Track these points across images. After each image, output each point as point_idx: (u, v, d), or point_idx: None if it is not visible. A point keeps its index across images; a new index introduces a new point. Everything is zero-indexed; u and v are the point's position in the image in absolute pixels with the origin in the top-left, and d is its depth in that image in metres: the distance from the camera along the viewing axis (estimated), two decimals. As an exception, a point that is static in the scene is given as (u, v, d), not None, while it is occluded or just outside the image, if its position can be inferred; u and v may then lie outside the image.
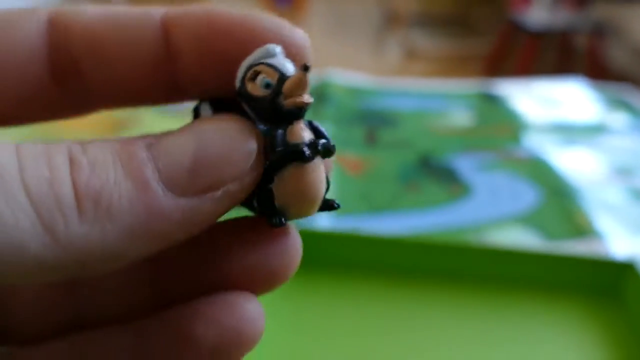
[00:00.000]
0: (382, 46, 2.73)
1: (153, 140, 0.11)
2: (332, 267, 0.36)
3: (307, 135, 0.12)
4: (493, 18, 2.90)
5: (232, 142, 0.12)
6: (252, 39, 0.12)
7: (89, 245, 0.10)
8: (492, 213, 0.43)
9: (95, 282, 0.13)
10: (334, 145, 0.13)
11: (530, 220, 0.43)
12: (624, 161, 0.52)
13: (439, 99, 0.65)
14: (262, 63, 0.12)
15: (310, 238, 0.34)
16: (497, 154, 0.52)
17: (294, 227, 0.14)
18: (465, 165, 0.51)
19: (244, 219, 0.14)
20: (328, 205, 0.14)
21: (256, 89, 0.12)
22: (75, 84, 0.13)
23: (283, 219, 0.13)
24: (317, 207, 0.13)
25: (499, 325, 0.33)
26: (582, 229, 0.42)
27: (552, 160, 0.51)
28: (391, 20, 3.00)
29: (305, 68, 0.12)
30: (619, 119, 0.61)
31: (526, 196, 0.46)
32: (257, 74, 0.12)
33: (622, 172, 0.50)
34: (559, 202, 0.45)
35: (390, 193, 0.46)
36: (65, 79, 0.13)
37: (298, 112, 0.12)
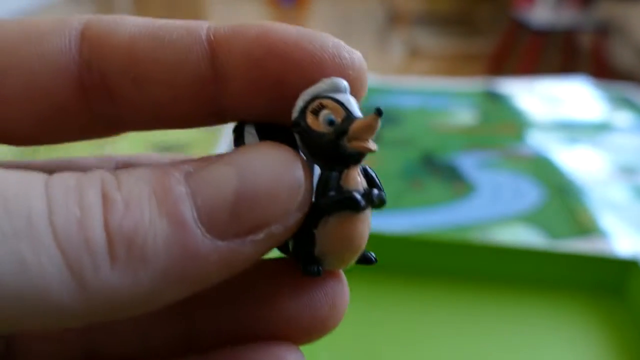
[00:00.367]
0: (386, 45, 2.73)
1: (191, 168, 0.10)
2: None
3: (362, 183, 0.11)
4: (496, 17, 2.89)
5: (280, 177, 0.10)
6: (310, 62, 0.11)
7: (119, 291, 0.09)
8: (495, 211, 0.43)
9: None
10: (386, 197, 0.12)
11: (533, 218, 0.43)
12: (627, 160, 0.52)
13: (443, 97, 0.65)
14: (329, 97, 0.11)
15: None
16: (501, 152, 0.52)
17: (342, 272, 0.13)
18: (468, 163, 0.50)
19: (283, 261, 0.12)
20: (366, 259, 0.13)
21: (317, 123, 0.11)
22: (106, 105, 0.12)
23: (320, 269, 0.12)
24: (356, 258, 0.12)
25: (503, 322, 0.33)
26: (586, 227, 0.42)
27: (555, 158, 0.51)
28: (394, 19, 3.00)
29: (379, 113, 0.11)
30: (622, 117, 0.61)
31: (530, 194, 0.46)
32: (321, 108, 0.11)
33: (626, 170, 0.50)
34: (563, 201, 0.45)
35: (393, 191, 0.46)
36: (95, 99, 0.12)
37: (359, 156, 0.11)
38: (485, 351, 0.31)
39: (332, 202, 0.11)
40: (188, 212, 0.10)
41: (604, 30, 2.09)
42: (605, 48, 2.12)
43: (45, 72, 0.11)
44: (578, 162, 0.51)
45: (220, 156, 0.11)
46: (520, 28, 2.16)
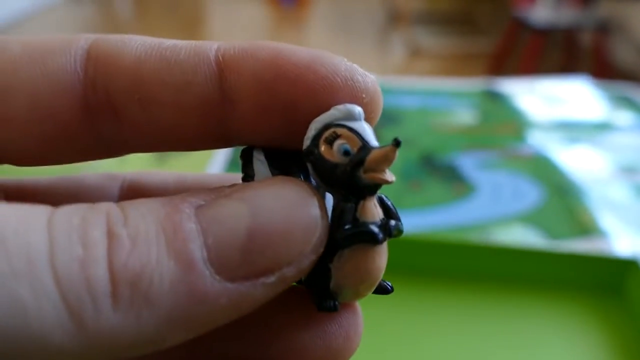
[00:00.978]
0: (386, 45, 2.73)
1: (202, 201, 0.10)
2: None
3: (378, 214, 0.11)
4: (497, 15, 2.89)
5: (295, 217, 0.10)
6: (322, 86, 0.11)
7: (121, 334, 0.09)
8: (495, 212, 0.43)
9: None
10: (402, 227, 0.11)
11: (533, 218, 0.43)
12: (628, 159, 0.52)
13: (443, 97, 0.65)
14: (344, 126, 0.11)
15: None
16: (501, 152, 0.52)
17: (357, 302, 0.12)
18: (468, 163, 0.50)
19: (294, 289, 0.12)
20: (382, 289, 0.12)
21: (331, 153, 0.11)
22: (110, 126, 0.11)
23: (337, 304, 0.11)
24: (372, 290, 0.12)
25: (503, 322, 0.33)
26: (586, 227, 0.42)
27: (555, 158, 0.51)
28: (395, 19, 3.00)
29: (397, 144, 0.10)
30: (623, 117, 0.61)
31: (529, 194, 0.46)
32: (335, 137, 0.11)
33: (627, 169, 0.50)
34: (563, 200, 0.45)
35: (393, 192, 0.46)
36: (100, 119, 0.11)
37: (376, 188, 0.11)
38: (485, 351, 0.31)
39: (349, 236, 0.11)
40: (197, 251, 0.09)
41: (604, 29, 2.09)
42: (606, 46, 2.12)
43: (50, 91, 0.11)
44: (578, 161, 0.51)
45: (232, 189, 0.10)
46: (521, 27, 2.16)
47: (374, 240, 0.11)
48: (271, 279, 0.10)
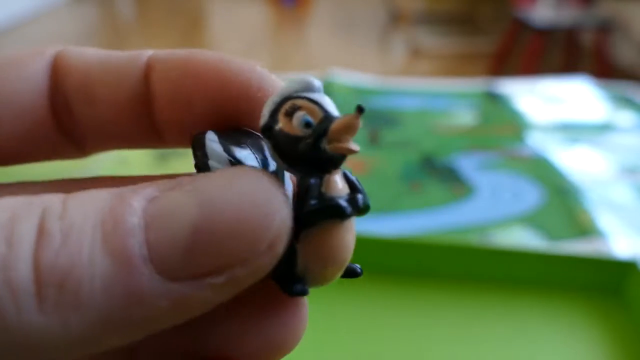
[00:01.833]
0: (388, 45, 2.73)
1: (157, 192, 0.09)
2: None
3: (345, 188, 0.11)
4: (498, 15, 2.88)
5: (248, 212, 0.09)
6: (221, 82, 0.12)
7: (48, 337, 0.08)
8: (495, 213, 0.44)
9: None
10: (369, 201, 0.11)
11: (533, 220, 0.43)
12: (629, 160, 0.52)
13: (443, 99, 0.65)
14: (304, 97, 0.10)
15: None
16: (501, 154, 0.52)
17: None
18: (468, 165, 0.51)
19: None
20: (351, 272, 0.12)
21: (291, 126, 0.10)
22: (70, 125, 0.13)
23: (306, 287, 0.11)
24: (342, 272, 0.11)
25: (502, 324, 0.33)
26: (585, 228, 0.42)
27: (555, 159, 0.51)
28: (396, 19, 2.99)
29: (361, 110, 0.10)
30: (624, 117, 0.61)
31: (529, 196, 0.46)
32: (295, 109, 0.10)
33: (627, 170, 0.50)
34: (562, 202, 0.45)
35: (393, 193, 0.46)
36: (62, 118, 0.13)
37: (340, 159, 0.10)
38: (484, 352, 0.31)
39: (315, 211, 0.10)
40: (136, 247, 0.08)
41: (606, 28, 2.08)
42: (608, 46, 2.11)
43: (22, 92, 0.12)
44: (578, 162, 0.51)
45: (189, 179, 0.10)
46: (522, 27, 2.16)
47: (342, 215, 0.10)
48: (219, 279, 0.09)
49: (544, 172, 0.49)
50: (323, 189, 0.10)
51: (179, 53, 0.12)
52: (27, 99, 0.12)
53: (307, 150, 0.10)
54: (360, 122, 0.10)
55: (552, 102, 0.64)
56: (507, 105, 0.63)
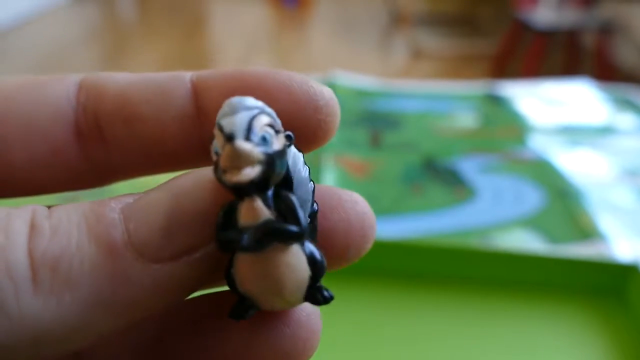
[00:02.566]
0: (389, 46, 2.73)
1: (131, 199, 0.10)
2: (336, 272, 0.36)
3: (262, 215, 0.10)
4: (499, 17, 2.88)
5: (212, 197, 0.10)
6: (280, 91, 0.12)
7: (45, 319, 0.09)
8: (496, 216, 0.44)
9: None
10: (301, 229, 0.10)
11: (534, 222, 0.43)
12: (630, 162, 0.52)
13: (444, 101, 0.65)
14: (217, 124, 0.10)
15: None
16: (502, 156, 0.52)
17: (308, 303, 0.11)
18: (469, 167, 0.51)
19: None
20: (314, 297, 0.11)
21: (212, 154, 0.10)
22: (98, 148, 0.12)
23: (246, 313, 0.11)
24: (290, 299, 0.11)
25: (504, 327, 0.33)
26: (587, 231, 0.42)
27: (557, 162, 0.51)
28: (397, 20, 3.00)
29: (230, 138, 0.09)
30: (625, 119, 0.61)
31: (531, 198, 0.46)
32: (212, 137, 0.10)
33: (629, 173, 0.50)
34: (564, 204, 0.45)
35: (394, 196, 0.46)
36: (89, 142, 0.12)
37: (240, 190, 0.10)
38: (486, 356, 0.31)
39: (217, 241, 0.10)
40: (118, 235, 0.09)
41: (607, 30, 2.08)
42: (609, 47, 2.11)
43: (45, 116, 0.12)
44: (580, 165, 0.51)
45: (158, 186, 0.11)
46: (524, 28, 2.16)
47: (240, 248, 0.10)
48: (194, 256, 0.10)
49: (545, 174, 0.49)
50: (238, 216, 0.10)
51: (227, 69, 0.12)
52: (47, 124, 0.12)
53: (217, 179, 0.10)
54: (243, 149, 0.09)
55: (553, 105, 0.64)
56: (508, 107, 0.63)
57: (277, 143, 0.10)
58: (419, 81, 1.94)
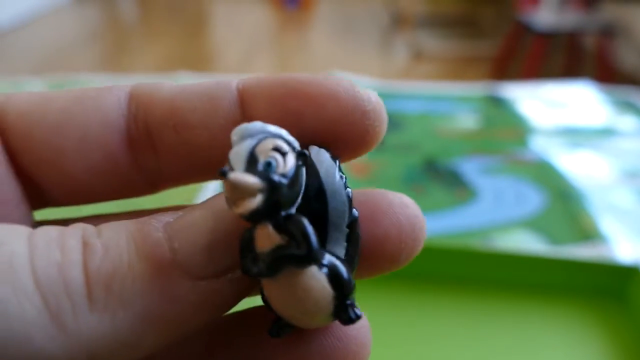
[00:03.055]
0: (390, 47, 2.73)
1: (171, 218, 0.11)
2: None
3: (273, 241, 0.10)
4: (500, 18, 2.89)
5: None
6: (326, 96, 0.12)
7: (100, 334, 0.09)
8: (497, 217, 0.44)
9: None
10: (310, 252, 0.10)
11: (535, 224, 0.43)
12: (631, 164, 0.52)
13: (446, 102, 0.65)
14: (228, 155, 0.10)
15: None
16: (504, 158, 0.53)
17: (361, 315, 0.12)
18: (471, 168, 0.51)
19: None
20: (340, 316, 0.11)
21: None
22: (148, 155, 0.13)
23: (280, 331, 0.11)
24: (316, 319, 0.11)
25: (505, 328, 0.33)
26: (588, 232, 0.42)
27: (558, 163, 0.51)
28: (398, 22, 3.00)
29: (222, 173, 0.10)
30: (627, 122, 0.61)
31: (532, 200, 0.46)
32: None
33: (630, 175, 0.50)
34: (565, 206, 0.45)
35: (395, 196, 0.46)
36: (139, 150, 0.13)
37: (248, 219, 0.10)
38: (487, 356, 0.31)
39: (240, 268, 0.10)
40: (166, 254, 0.10)
41: (608, 32, 2.08)
42: (610, 49, 2.11)
43: (98, 125, 0.12)
44: (581, 167, 0.51)
45: (197, 204, 0.11)
46: (525, 30, 2.16)
47: (254, 275, 0.10)
48: (237, 274, 0.10)
49: (546, 176, 0.49)
50: (255, 242, 0.10)
51: (271, 76, 0.12)
52: (101, 133, 0.12)
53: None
54: (242, 181, 0.10)
55: (554, 107, 0.64)
56: (509, 109, 0.63)
57: (287, 165, 0.10)
58: (420, 82, 1.93)
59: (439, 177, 0.49)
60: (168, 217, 0.11)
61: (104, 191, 0.13)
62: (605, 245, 0.40)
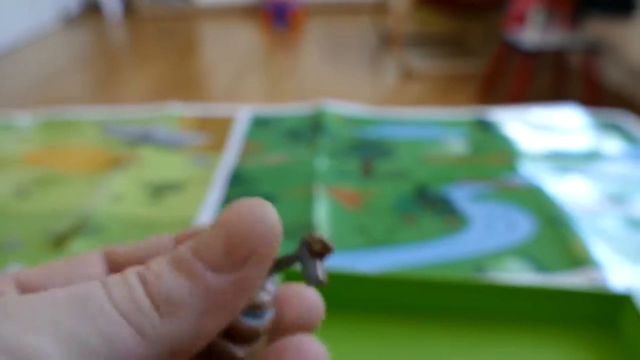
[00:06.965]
0: (379, 67, 2.76)
1: (192, 243, 0.14)
2: (329, 307, 0.36)
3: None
4: (488, 38, 2.93)
5: (252, 217, 0.14)
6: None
7: (173, 333, 0.13)
8: (488, 244, 0.44)
9: None
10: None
11: (526, 251, 0.43)
12: (618, 188, 0.52)
13: (434, 127, 0.65)
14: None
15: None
16: (493, 183, 0.53)
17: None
18: (461, 195, 0.51)
19: None
20: None
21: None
22: None
23: None
24: None
25: (498, 358, 0.33)
26: (579, 258, 0.42)
27: (547, 188, 0.52)
28: (387, 41, 3.03)
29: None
30: (613, 145, 0.62)
31: (522, 226, 0.46)
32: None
33: (617, 199, 0.51)
34: (555, 231, 0.45)
35: (386, 226, 0.46)
36: None
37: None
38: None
39: None
40: (197, 265, 0.14)
41: (593, 50, 2.12)
42: (596, 67, 2.15)
43: (84, 275, 0.16)
44: (570, 191, 0.52)
45: (210, 225, 0.15)
46: (511, 49, 2.19)
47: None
48: (253, 259, 0.14)
49: (536, 201, 0.50)
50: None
51: (203, 226, 0.17)
52: (87, 277, 0.16)
53: None
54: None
55: (542, 130, 0.65)
56: (497, 133, 0.64)
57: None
58: (409, 108, 1.95)
59: (430, 205, 0.49)
60: (192, 242, 0.14)
61: None
62: (596, 271, 0.40)
